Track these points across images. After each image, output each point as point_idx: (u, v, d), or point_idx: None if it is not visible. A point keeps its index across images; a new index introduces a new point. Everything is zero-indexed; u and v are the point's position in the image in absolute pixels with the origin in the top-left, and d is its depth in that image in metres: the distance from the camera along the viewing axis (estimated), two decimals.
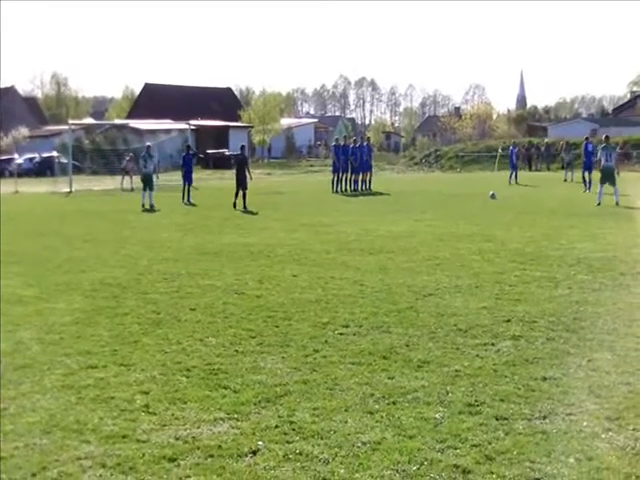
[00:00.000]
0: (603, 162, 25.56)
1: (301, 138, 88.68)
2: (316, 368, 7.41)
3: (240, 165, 27.08)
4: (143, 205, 27.76)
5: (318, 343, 8.32)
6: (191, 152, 33.58)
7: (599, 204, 24.40)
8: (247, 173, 26.43)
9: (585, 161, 33.40)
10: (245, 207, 25.36)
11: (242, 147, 28.57)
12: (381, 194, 32.47)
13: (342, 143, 35.58)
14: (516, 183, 38.47)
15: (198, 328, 9.10)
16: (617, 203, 24.40)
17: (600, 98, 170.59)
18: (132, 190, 36.64)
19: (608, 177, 25.32)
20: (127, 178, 39.22)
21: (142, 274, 12.90)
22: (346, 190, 33.73)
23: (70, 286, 11.88)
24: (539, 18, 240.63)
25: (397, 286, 11.48)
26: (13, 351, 8.17)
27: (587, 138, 37.07)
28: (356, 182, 34.51)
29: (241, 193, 25.86)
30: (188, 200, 29.84)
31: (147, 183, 28.59)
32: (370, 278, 12.17)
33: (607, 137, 27.01)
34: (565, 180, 40.08)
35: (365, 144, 36.40)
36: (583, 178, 32.86)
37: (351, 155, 34.19)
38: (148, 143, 33.27)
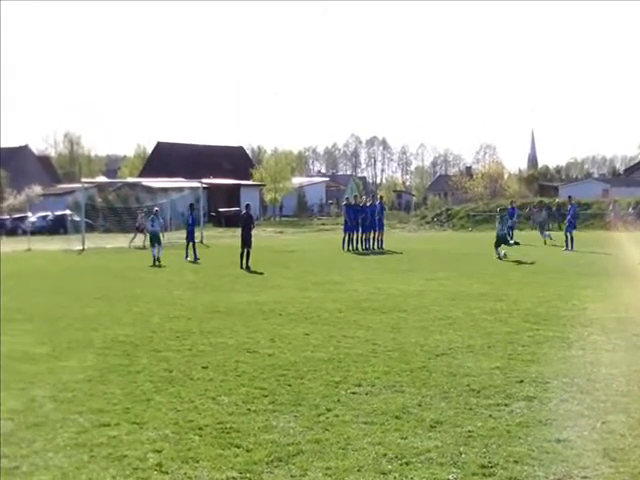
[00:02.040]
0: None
1: (312, 197, 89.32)
2: (328, 427, 7.38)
3: (246, 224, 27.10)
4: (155, 260, 28.71)
5: (330, 402, 8.31)
6: (194, 211, 33.94)
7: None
8: (251, 232, 26.53)
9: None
10: (248, 267, 25.11)
11: (247, 206, 28.48)
12: (393, 253, 32.51)
13: (353, 202, 35.81)
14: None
15: (210, 386, 9.10)
16: None
17: (611, 158, 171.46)
18: (144, 248, 36.82)
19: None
20: (140, 235, 39.41)
21: (154, 332, 12.93)
22: (357, 249, 33.79)
23: (82, 344, 11.91)
24: (550, 78, 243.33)
25: (409, 345, 11.46)
26: (26, 409, 8.19)
27: (512, 202, 40.20)
28: (368, 240, 34.61)
29: (245, 252, 25.80)
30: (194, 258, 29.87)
31: (155, 240, 30.01)
32: (382, 337, 12.16)
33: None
34: (545, 242, 38.78)
35: (377, 203, 36.63)
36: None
37: (361, 214, 34.35)
38: (156, 208, 35.00)
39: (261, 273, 23.62)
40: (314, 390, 8.85)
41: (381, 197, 42.20)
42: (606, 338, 11.79)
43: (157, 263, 28.40)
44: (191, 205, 34.78)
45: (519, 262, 26.48)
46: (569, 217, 34.78)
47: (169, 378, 9.56)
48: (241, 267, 25.30)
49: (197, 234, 38.39)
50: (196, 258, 29.74)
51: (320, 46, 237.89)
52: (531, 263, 25.99)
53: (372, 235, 34.79)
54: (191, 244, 30.57)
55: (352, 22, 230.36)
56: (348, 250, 33.41)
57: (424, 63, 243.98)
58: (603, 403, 8.13)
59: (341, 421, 7.60)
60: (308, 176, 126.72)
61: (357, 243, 34.23)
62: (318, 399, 8.45)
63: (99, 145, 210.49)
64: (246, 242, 26.14)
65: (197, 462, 6.48)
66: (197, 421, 7.66)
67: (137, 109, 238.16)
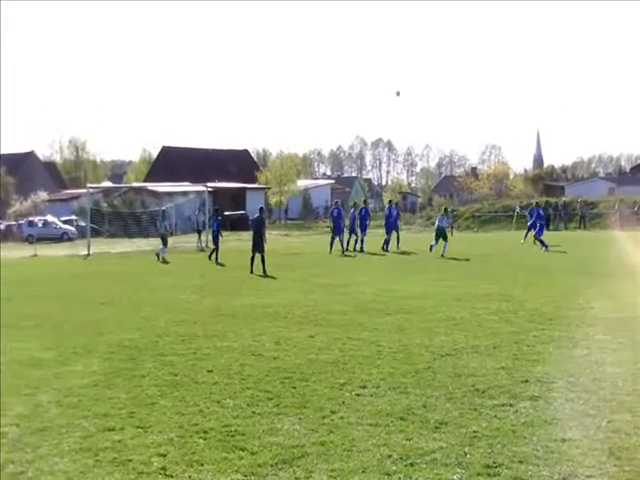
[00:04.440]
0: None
1: (318, 199, 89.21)
2: (333, 429, 7.39)
3: (258, 228, 25.90)
4: (164, 259, 31.92)
5: (335, 404, 8.31)
6: (219, 216, 34.41)
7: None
8: (263, 236, 25.55)
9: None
10: (265, 272, 24.23)
11: (261, 209, 27.21)
12: (399, 254, 32.49)
13: (361, 206, 36.29)
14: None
15: (215, 390, 9.11)
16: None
17: (618, 157, 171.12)
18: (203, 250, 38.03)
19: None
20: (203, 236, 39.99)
21: (159, 336, 12.94)
22: (362, 250, 33.85)
23: (88, 349, 11.93)
24: (555, 78, 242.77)
25: (414, 346, 11.45)
26: (31, 414, 8.21)
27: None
28: (387, 242, 34.75)
29: (259, 257, 24.85)
30: (216, 261, 30.48)
31: (162, 241, 33.04)
32: (387, 338, 12.16)
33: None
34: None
35: (393, 206, 37.42)
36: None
37: (360, 218, 35.14)
38: (163, 208, 37.02)
39: (266, 276, 23.56)
40: (319, 392, 8.86)
41: (396, 203, 41.99)
42: (612, 337, 11.77)
43: (164, 261, 31.28)
44: (216, 210, 35.21)
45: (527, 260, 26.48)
46: (534, 221, 35.18)
47: (174, 382, 9.57)
48: (251, 272, 24.49)
49: (203, 238, 38.76)
50: (217, 261, 30.27)
51: (324, 48, 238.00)
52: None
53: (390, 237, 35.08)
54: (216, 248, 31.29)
55: (356, 23, 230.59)
56: (354, 250, 33.71)
57: (429, 63, 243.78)
58: (609, 402, 8.12)
59: (346, 423, 7.60)
60: (313, 179, 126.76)
61: (357, 244, 34.52)
62: (323, 401, 8.45)
63: (104, 150, 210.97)
64: (258, 246, 25.16)
65: (202, 465, 6.49)
66: (202, 424, 7.67)
67: (142, 114, 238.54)
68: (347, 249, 34.04)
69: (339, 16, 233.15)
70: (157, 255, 32.51)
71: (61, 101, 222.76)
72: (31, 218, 57.93)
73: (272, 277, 23.25)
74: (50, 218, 57.63)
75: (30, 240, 50.80)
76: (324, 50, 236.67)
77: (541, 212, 37.49)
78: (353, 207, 37.30)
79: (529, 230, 38.56)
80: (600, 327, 12.73)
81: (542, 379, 9.20)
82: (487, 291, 18.08)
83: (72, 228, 55.26)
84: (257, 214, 26.57)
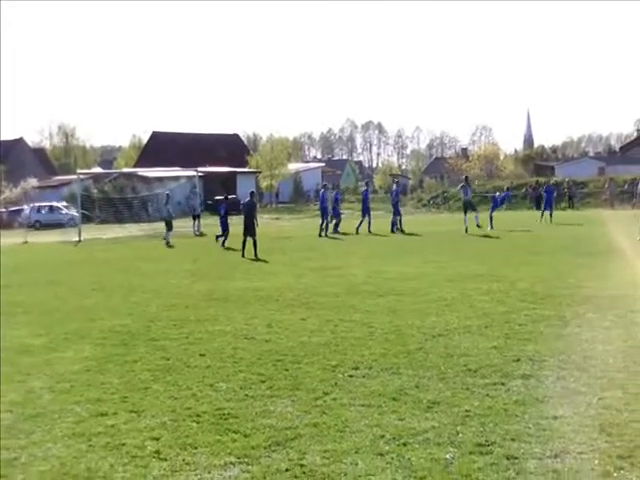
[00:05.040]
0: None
1: (309, 182, 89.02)
2: (326, 411, 7.40)
3: (249, 212, 25.85)
4: (167, 243, 32.51)
5: (328, 386, 8.33)
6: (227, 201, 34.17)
7: None
8: (255, 220, 25.59)
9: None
10: (256, 255, 24.16)
11: (252, 193, 27.19)
12: (388, 236, 32.52)
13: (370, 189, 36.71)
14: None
15: (208, 373, 9.12)
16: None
17: (607, 136, 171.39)
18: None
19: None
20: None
21: (151, 321, 12.93)
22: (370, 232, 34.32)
23: (79, 335, 11.92)
24: (545, 57, 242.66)
25: (406, 327, 11.48)
26: (24, 400, 8.20)
27: (397, 182, 40.63)
28: (394, 224, 34.99)
29: (251, 241, 24.83)
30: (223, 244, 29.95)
31: (167, 224, 33.47)
32: (379, 320, 12.18)
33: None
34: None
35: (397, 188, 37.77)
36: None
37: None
38: (167, 192, 37.01)
39: (258, 260, 23.55)
40: (311, 374, 8.87)
41: (397, 182, 41.47)
42: (602, 315, 11.80)
43: (168, 245, 31.82)
44: (226, 197, 35.08)
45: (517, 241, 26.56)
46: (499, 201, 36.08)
47: (166, 366, 9.57)
48: (242, 256, 24.54)
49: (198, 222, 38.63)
50: (223, 244, 29.82)
51: (313, 31, 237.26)
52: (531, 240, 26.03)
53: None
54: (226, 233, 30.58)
55: (344, 6, 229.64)
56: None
57: (418, 45, 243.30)
58: (599, 379, 8.15)
59: (338, 404, 7.62)
60: (304, 162, 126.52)
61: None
62: (315, 383, 8.47)
63: (94, 136, 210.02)
64: (249, 230, 25.15)
65: (195, 448, 6.50)
66: (195, 408, 7.68)
67: (131, 99, 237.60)
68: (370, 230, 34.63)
69: None
70: (166, 240, 32.79)
71: (50, 87, 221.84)
72: (38, 204, 57.39)
73: (264, 261, 23.23)
74: (55, 204, 57.29)
75: (37, 226, 50.76)
76: (314, 32, 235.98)
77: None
78: (366, 186, 39.54)
79: (547, 209, 38.61)
80: (591, 305, 12.77)
81: (533, 358, 9.23)
82: (479, 271, 18.10)
83: (77, 214, 54.87)
84: (248, 198, 26.46)
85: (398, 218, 35.13)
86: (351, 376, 8.74)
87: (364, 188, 39.76)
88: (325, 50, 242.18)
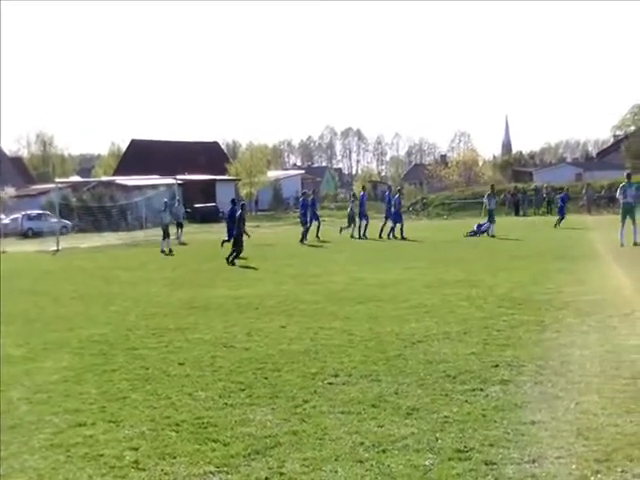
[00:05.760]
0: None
1: (288, 190, 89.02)
2: (305, 418, 7.40)
3: (240, 224, 25.42)
4: (162, 251, 31.76)
5: (307, 393, 8.32)
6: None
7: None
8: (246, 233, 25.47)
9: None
10: (231, 262, 24.36)
11: (242, 205, 27.04)
12: (369, 242, 32.59)
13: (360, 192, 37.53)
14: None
15: (187, 382, 9.08)
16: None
17: (584, 142, 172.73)
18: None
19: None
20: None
21: (130, 330, 12.88)
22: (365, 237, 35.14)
23: (58, 344, 11.84)
24: (523, 64, 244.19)
25: (386, 334, 11.48)
26: (2, 412, 8.13)
27: (399, 190, 41.32)
28: (392, 230, 35.19)
29: (231, 243, 25.13)
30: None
31: (164, 232, 32.79)
32: (359, 327, 12.18)
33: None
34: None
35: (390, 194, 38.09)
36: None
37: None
38: (165, 199, 36.76)
39: (239, 267, 23.54)
40: (291, 382, 8.86)
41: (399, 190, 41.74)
42: (580, 320, 11.87)
43: (170, 252, 31.34)
44: (232, 200, 34.61)
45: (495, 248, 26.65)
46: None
47: (145, 376, 9.53)
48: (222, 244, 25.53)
49: (174, 230, 38.44)
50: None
51: (292, 38, 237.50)
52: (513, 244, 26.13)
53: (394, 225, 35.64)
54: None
55: (324, 12, 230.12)
56: (360, 238, 35.12)
57: (397, 52, 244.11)
58: (577, 384, 8.19)
59: (318, 412, 7.61)
60: (284, 169, 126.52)
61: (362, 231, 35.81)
62: (295, 391, 8.46)
63: (72, 144, 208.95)
64: (239, 243, 25.03)
65: (174, 458, 6.47)
66: (174, 417, 7.64)
67: (110, 107, 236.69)
68: (364, 235, 35.51)
69: (306, 5, 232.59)
70: (161, 248, 32.20)
71: (28, 95, 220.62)
72: (29, 212, 56.95)
73: (245, 268, 23.25)
74: (47, 212, 56.92)
75: (29, 234, 50.44)
76: (293, 40, 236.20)
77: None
78: (363, 190, 41.14)
79: (561, 214, 41.36)
80: (569, 310, 12.83)
81: (512, 363, 9.26)
82: (458, 277, 18.16)
83: (69, 222, 54.30)
84: (239, 210, 25.87)
85: (395, 225, 35.32)
86: (331, 383, 8.73)
87: (361, 192, 40.26)
88: (304, 57, 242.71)
